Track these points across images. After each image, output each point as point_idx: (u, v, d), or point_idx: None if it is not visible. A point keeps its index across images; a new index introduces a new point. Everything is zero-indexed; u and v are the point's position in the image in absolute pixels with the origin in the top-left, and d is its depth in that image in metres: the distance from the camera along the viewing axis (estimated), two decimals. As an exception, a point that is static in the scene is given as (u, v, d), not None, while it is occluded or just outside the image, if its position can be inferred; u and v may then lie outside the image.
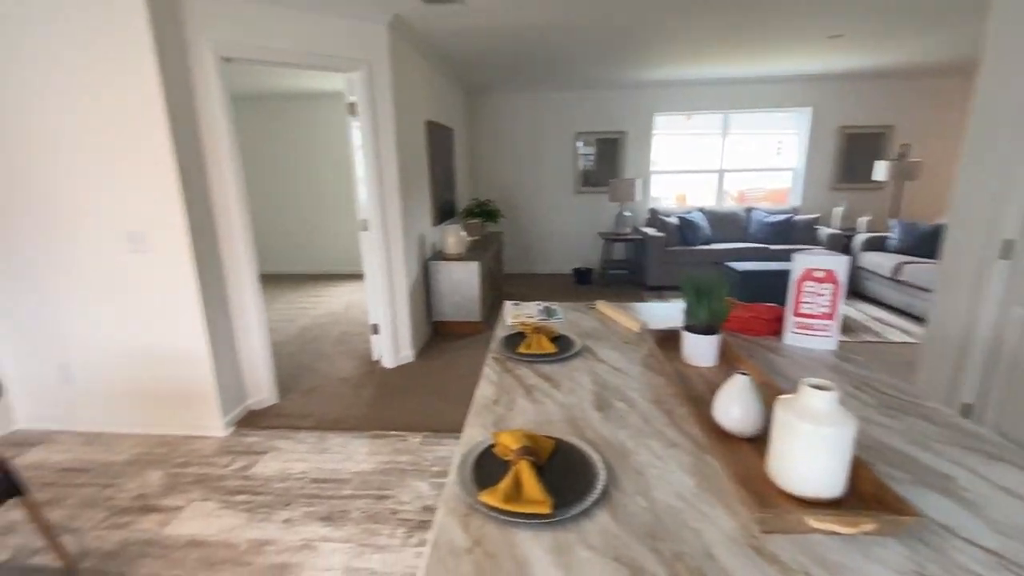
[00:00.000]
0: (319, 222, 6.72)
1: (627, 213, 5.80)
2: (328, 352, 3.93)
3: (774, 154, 6.36)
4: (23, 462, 2.53)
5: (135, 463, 2.50)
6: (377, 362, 3.68)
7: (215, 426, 2.73)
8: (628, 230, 5.82)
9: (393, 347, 3.57)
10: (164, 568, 1.82)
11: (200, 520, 2.07)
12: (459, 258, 4.08)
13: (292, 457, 2.51)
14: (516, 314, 1.77)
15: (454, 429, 2.74)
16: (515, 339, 1.49)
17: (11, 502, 2.14)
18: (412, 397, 3.14)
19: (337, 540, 1.94)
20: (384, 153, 3.28)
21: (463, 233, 4.16)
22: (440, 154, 4.49)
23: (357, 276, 6.61)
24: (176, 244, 2.48)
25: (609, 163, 6.21)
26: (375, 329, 3.59)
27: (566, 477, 0.82)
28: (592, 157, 6.21)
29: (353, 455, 2.52)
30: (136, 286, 2.56)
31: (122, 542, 1.95)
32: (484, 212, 5.14)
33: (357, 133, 3.22)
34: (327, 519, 2.06)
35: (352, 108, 3.18)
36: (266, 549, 1.91)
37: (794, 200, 6.22)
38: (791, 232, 5.56)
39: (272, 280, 6.54)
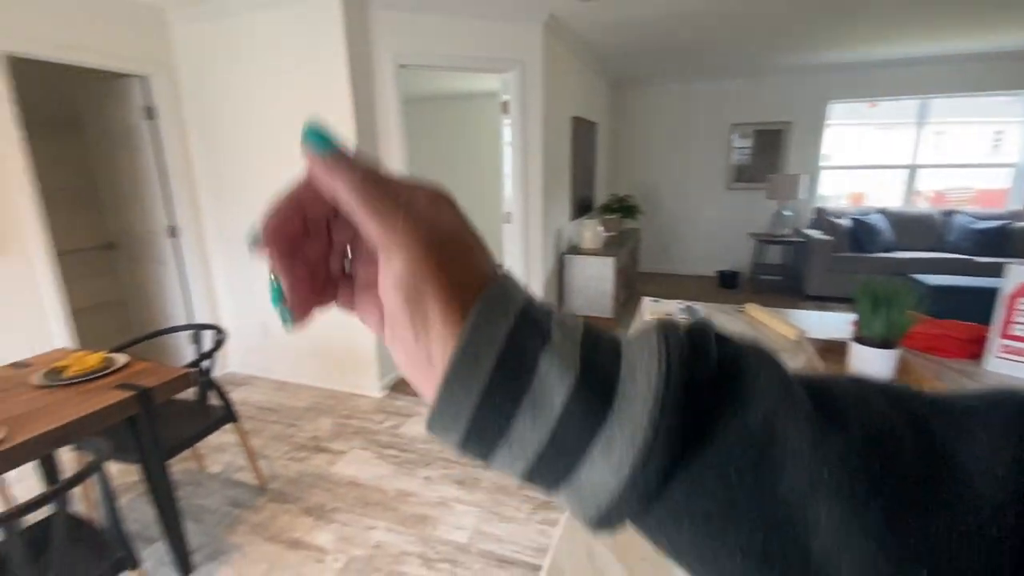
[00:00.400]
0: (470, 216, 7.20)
1: (787, 212, 5.23)
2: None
3: (990, 147, 5.21)
4: (233, 397, 3.16)
5: (311, 410, 2.97)
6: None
7: (372, 387, 3.12)
8: (787, 231, 5.26)
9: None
10: (330, 499, 2.16)
11: (358, 465, 2.40)
12: (594, 253, 4.08)
13: (432, 424, 2.77)
14: (655, 311, 1.73)
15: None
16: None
17: (226, 427, 2.71)
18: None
19: (468, 503, 2.11)
20: (531, 149, 3.41)
21: (600, 228, 4.15)
22: (582, 149, 4.52)
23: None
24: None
25: (768, 157, 5.66)
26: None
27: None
28: (748, 151, 5.72)
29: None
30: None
31: (300, 473, 2.35)
32: (623, 208, 5.05)
33: (507, 130, 3.39)
34: (461, 483, 2.25)
35: (505, 107, 3.36)
36: (409, 499, 2.15)
37: (1015, 203, 5.04)
38: (1006, 242, 4.52)
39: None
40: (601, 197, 5.66)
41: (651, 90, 5.94)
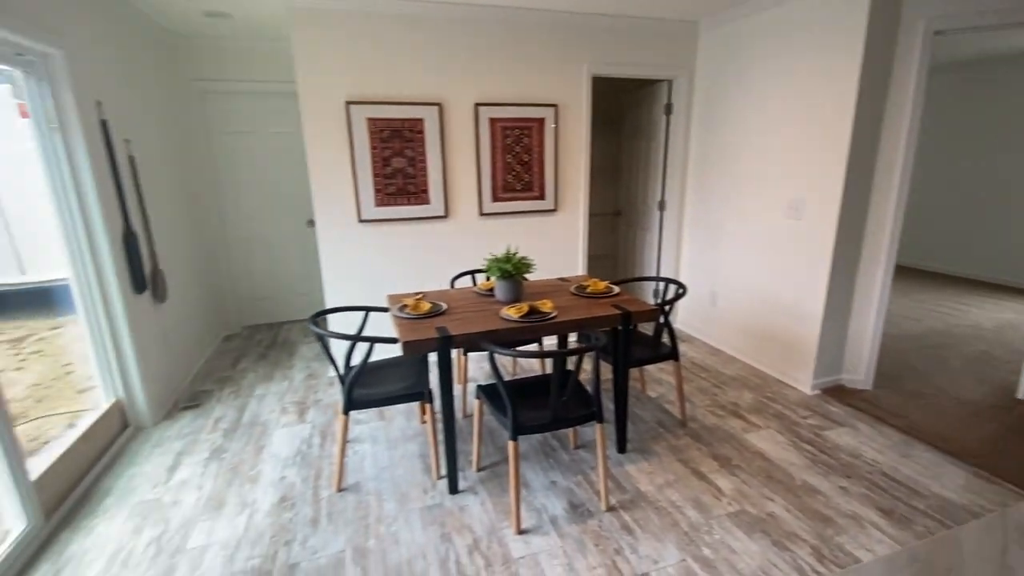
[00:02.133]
0: (998, 216, 5.31)
1: None
2: (953, 366, 3.31)
3: None
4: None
5: (736, 380, 3.18)
6: (1022, 403, 2.80)
7: (804, 381, 3.01)
8: None
9: (1062, 392, 2.59)
10: (736, 457, 2.35)
11: (770, 443, 2.46)
12: None
13: (868, 443, 2.46)
14: None
15: None
16: None
17: (666, 365, 3.27)
18: (1069, 464, 2.25)
19: (888, 534, 1.85)
20: None
21: None
22: None
23: (1038, 293, 4.90)
24: (826, 214, 2.78)
25: None
26: (1038, 359, 2.70)
27: None
28: None
29: (941, 476, 2.18)
30: (782, 246, 3.09)
31: (715, 426, 2.64)
32: None
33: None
34: (887, 512, 1.97)
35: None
36: (816, 496, 2.07)
37: None
38: None
39: (911, 275, 5.88)
40: None
41: None
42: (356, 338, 2.03)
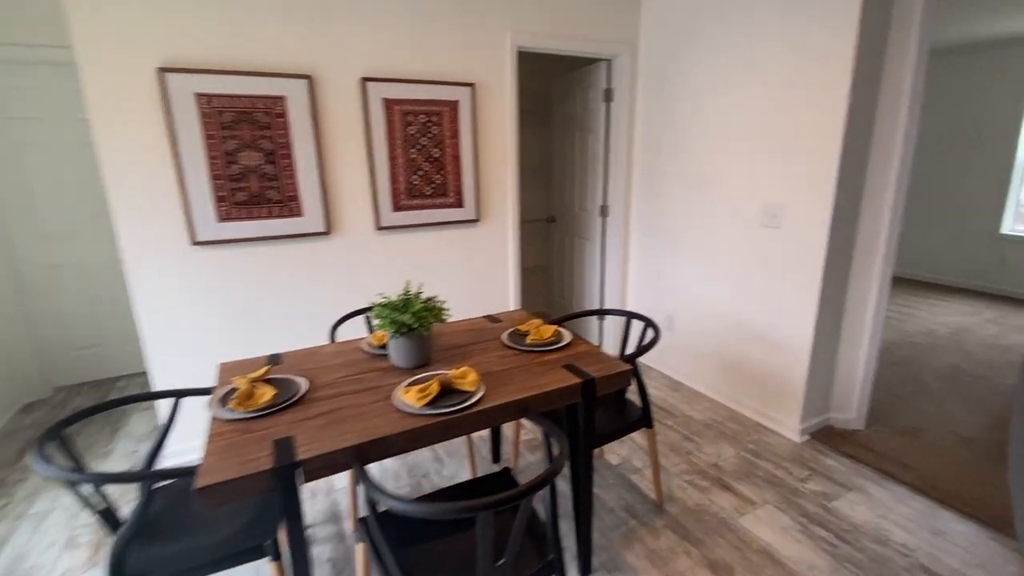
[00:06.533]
0: (942, 215, 5.26)
1: None
2: (933, 388, 2.93)
3: None
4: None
5: (709, 428, 2.57)
6: (1029, 434, 2.41)
7: (790, 427, 2.46)
8: None
9: (1076, 425, 2.21)
10: (739, 562, 1.70)
11: (777, 532, 1.84)
12: None
13: (889, 516, 1.91)
14: None
15: None
16: None
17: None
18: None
19: None
20: None
21: None
22: None
23: (978, 294, 4.86)
24: (813, 222, 2.22)
25: None
26: (1045, 386, 2.32)
27: None
28: None
29: (987, 564, 1.66)
30: (756, 261, 2.52)
31: (700, 507, 1.98)
32: None
33: None
34: (963, 654, 1.39)
35: None
36: (864, 632, 1.46)
37: None
38: None
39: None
40: None
41: None
42: (97, 479, 1.10)
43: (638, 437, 2.50)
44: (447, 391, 1.36)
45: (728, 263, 2.67)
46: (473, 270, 2.89)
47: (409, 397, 1.30)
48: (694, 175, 2.81)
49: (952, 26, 4.11)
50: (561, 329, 1.82)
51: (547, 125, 4.27)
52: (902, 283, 5.33)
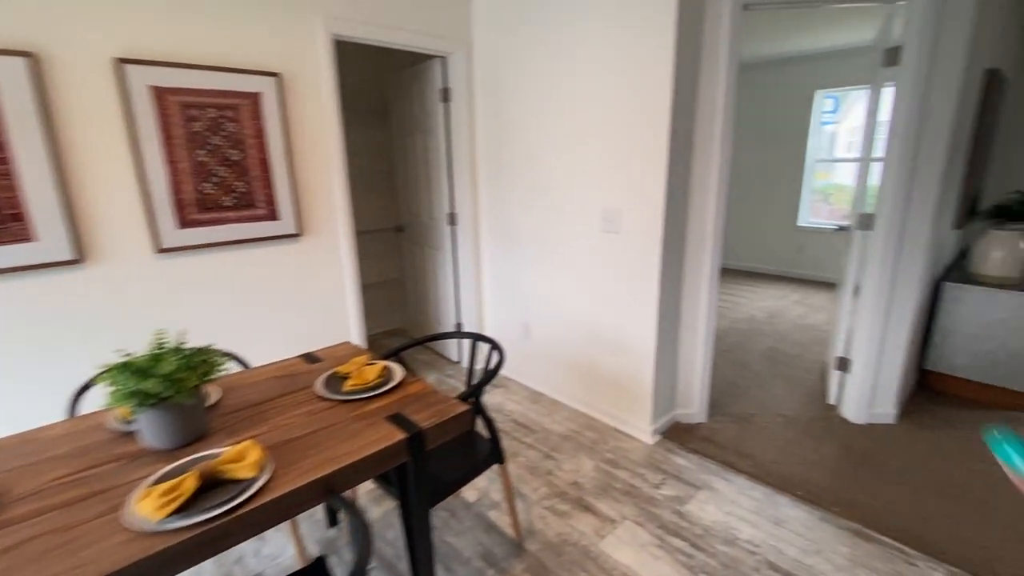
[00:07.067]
0: (753, 210, 5.97)
1: None
2: (758, 372, 3.22)
3: None
4: (488, 400, 2.91)
5: (568, 440, 2.48)
6: (834, 408, 2.73)
7: (642, 428, 2.47)
8: None
9: (867, 396, 2.54)
10: (602, 600, 1.58)
11: (635, 551, 1.76)
12: (1005, 284, 2.57)
13: (734, 511, 1.96)
14: None
15: (967, 559, 1.59)
16: None
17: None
18: (903, 482, 2.09)
19: None
20: (933, 118, 2.19)
21: (1022, 245, 2.61)
22: (984, 119, 2.94)
23: (785, 279, 5.60)
24: (648, 226, 2.23)
25: None
26: (842, 364, 2.63)
27: None
28: None
29: (824, 549, 1.76)
30: (601, 266, 2.49)
31: (561, 538, 1.84)
32: (1040, 214, 3.21)
33: (892, 90, 2.25)
34: (808, 656, 1.40)
35: (893, 56, 2.22)
36: (722, 655, 1.41)
37: None
38: None
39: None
40: (991, 195, 3.79)
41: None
42: None
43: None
44: (213, 483, 0.99)
45: (578, 270, 2.62)
46: (298, 294, 2.45)
47: (146, 506, 0.91)
48: (539, 180, 2.71)
49: (749, 44, 4.66)
50: (391, 365, 1.53)
51: (389, 126, 3.93)
52: (725, 273, 5.99)
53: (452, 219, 3.17)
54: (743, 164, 5.90)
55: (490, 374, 1.61)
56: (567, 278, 2.68)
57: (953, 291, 2.67)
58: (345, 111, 3.55)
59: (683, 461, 2.30)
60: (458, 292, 3.31)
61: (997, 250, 2.60)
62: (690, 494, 2.07)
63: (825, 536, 1.82)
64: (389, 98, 3.58)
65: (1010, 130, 4.07)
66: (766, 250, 5.90)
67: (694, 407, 2.58)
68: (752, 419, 2.64)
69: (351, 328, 2.67)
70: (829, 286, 5.26)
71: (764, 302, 4.76)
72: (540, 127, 2.61)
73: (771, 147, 5.65)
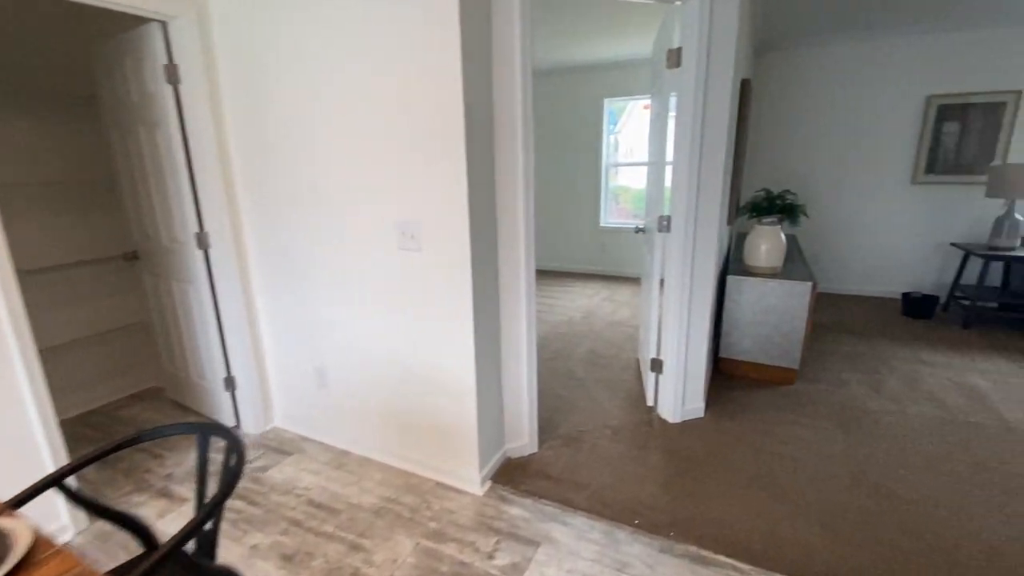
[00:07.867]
0: (559, 212, 6.12)
1: (1020, 216, 3.77)
2: (583, 379, 3.13)
3: None
4: (276, 477, 2.23)
5: (382, 516, 1.98)
6: (652, 409, 2.73)
7: (470, 478, 2.09)
8: (1019, 242, 3.80)
9: (679, 394, 2.57)
10: None
11: (469, 671, 1.36)
12: (774, 274, 2.86)
13: (576, 567, 1.70)
14: None
15: (790, 561, 1.61)
16: None
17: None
18: (721, 482, 2.10)
19: None
20: (710, 123, 2.24)
21: (782, 237, 2.93)
22: (742, 126, 3.29)
23: (593, 276, 5.85)
24: (454, 239, 1.85)
25: (981, 141, 4.17)
26: (656, 366, 2.64)
27: None
28: (954, 132, 4.24)
29: (668, 588, 1.59)
30: (402, 290, 2.03)
31: (371, 676, 1.34)
32: (782, 207, 3.76)
33: (675, 98, 2.25)
34: None
35: (675, 57, 2.22)
36: None
37: None
38: None
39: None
40: (745, 193, 4.40)
41: (805, 52, 4.57)
42: None
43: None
44: None
45: (377, 297, 2.11)
46: None
47: None
48: (313, 190, 2.13)
49: (541, 51, 4.68)
50: (10, 527, 0.84)
51: (98, 115, 2.86)
52: (538, 275, 6.08)
53: (202, 241, 2.37)
54: (546, 169, 6.03)
55: (217, 501, 1.02)
56: (366, 309, 2.16)
57: (735, 283, 2.90)
58: (16, 95, 2.44)
59: (518, 510, 1.98)
60: (224, 336, 2.52)
61: (763, 243, 2.88)
62: (528, 556, 1.75)
63: (667, 572, 1.67)
64: (96, 75, 2.57)
65: (754, 134, 4.77)
66: (574, 249, 6.14)
67: (524, 437, 2.31)
68: (583, 437, 2.47)
69: (28, 413, 1.73)
70: (631, 280, 5.67)
71: (578, 301, 4.87)
72: (319, 123, 2.03)
73: (570, 152, 5.87)
